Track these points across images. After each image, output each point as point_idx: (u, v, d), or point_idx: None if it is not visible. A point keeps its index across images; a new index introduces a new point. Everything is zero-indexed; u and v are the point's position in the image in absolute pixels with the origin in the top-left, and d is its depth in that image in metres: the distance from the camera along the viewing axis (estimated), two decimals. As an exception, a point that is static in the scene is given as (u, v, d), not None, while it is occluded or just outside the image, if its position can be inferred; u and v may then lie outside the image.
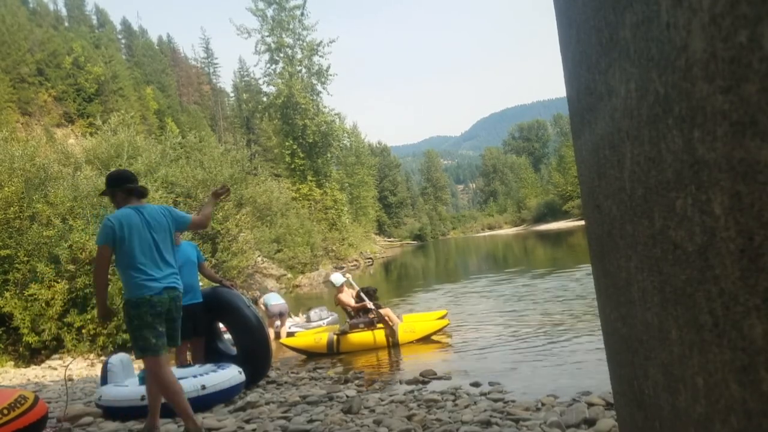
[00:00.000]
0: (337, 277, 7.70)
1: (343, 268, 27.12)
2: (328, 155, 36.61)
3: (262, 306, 8.39)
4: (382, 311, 6.94)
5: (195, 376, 4.18)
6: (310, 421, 3.45)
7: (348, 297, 7.31)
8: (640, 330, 0.69)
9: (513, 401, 3.83)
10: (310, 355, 6.98)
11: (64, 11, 56.76)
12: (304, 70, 36.15)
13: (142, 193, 3.36)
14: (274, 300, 8.66)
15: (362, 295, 7.21)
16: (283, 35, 35.57)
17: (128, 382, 4.26)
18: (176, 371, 4.57)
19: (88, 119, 35.31)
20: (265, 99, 37.30)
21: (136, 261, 3.10)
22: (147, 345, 3.07)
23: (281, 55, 35.65)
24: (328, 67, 36.44)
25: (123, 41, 63.73)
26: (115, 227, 3.09)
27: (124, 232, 3.10)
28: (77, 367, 7.39)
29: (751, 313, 0.43)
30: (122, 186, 3.30)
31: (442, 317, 7.41)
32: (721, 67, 0.43)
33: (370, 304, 7.01)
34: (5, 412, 3.06)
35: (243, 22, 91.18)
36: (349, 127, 51.61)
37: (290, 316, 9.30)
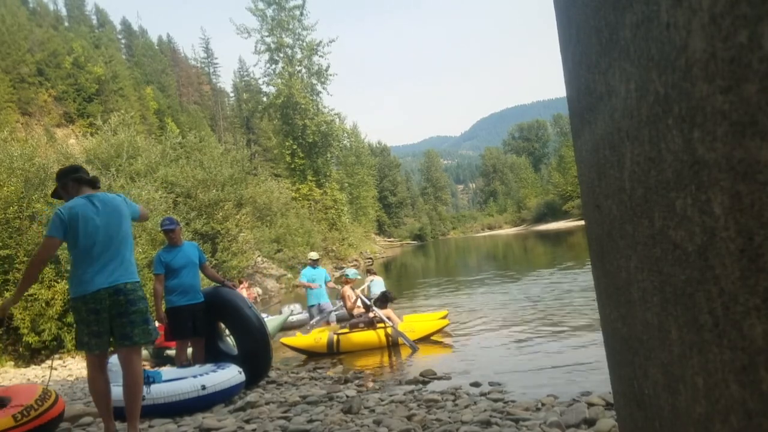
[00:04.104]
0: (351, 271, 7.98)
1: (343, 268, 27.13)
2: (328, 155, 36.66)
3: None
4: (382, 312, 6.94)
5: (195, 376, 4.18)
6: (310, 421, 3.45)
7: (352, 293, 7.40)
8: (640, 330, 0.69)
9: (513, 401, 3.83)
10: (310, 355, 6.98)
11: (64, 11, 56.91)
12: (303, 70, 36.20)
13: (93, 183, 3.18)
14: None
15: (361, 296, 7.23)
16: (283, 35, 35.62)
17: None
18: (176, 371, 4.58)
19: (88, 119, 35.30)
20: (265, 99, 37.35)
21: (78, 256, 2.96)
22: (81, 341, 3.01)
23: (281, 55, 35.70)
24: (328, 67, 36.54)
25: (123, 41, 63.81)
26: (65, 218, 2.93)
27: (75, 222, 2.94)
28: (77, 367, 7.39)
29: (751, 313, 0.43)
30: (71, 177, 3.13)
31: (443, 317, 7.40)
32: (721, 67, 0.44)
33: (362, 306, 7.08)
34: (36, 406, 3.19)
35: (243, 22, 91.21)
36: (349, 127, 51.74)
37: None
